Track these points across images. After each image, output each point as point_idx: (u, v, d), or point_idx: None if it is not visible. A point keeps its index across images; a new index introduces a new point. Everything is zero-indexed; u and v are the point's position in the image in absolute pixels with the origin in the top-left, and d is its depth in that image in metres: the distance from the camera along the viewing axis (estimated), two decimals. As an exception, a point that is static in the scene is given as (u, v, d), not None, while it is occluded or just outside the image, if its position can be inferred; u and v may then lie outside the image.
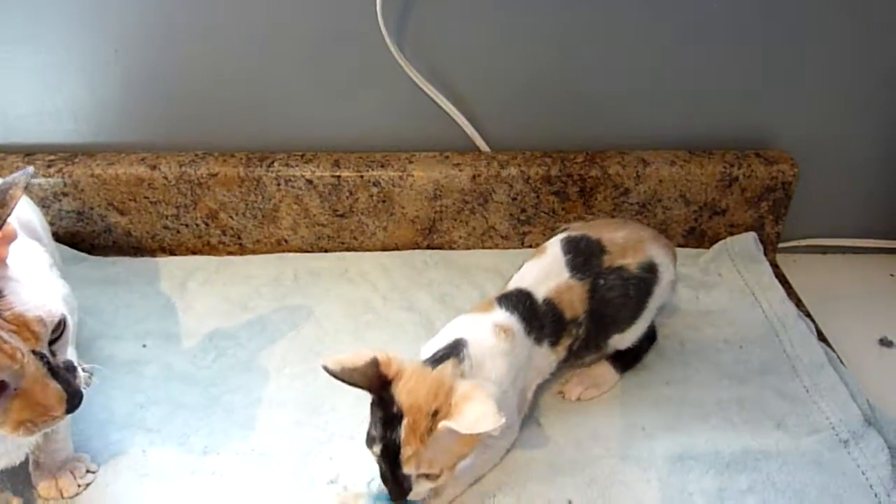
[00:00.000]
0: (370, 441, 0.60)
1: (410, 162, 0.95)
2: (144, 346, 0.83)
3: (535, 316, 0.69)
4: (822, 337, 0.84)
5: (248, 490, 0.66)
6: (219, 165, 0.95)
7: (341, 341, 0.84)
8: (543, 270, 0.72)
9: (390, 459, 0.58)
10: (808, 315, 0.88)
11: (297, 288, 0.93)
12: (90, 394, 0.74)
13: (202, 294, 0.92)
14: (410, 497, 0.60)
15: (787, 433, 0.71)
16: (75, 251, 0.97)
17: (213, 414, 0.74)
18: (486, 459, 0.67)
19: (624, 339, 0.76)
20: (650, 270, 0.74)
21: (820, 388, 0.76)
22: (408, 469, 0.58)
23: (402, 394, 0.58)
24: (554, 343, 0.70)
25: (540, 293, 0.70)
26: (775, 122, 0.96)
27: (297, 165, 0.95)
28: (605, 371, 0.77)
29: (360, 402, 0.74)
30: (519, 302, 0.69)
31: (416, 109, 0.94)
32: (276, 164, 0.95)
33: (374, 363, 0.60)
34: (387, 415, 0.58)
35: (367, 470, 0.67)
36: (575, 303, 0.70)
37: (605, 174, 0.94)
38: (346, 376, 0.59)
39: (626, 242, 0.74)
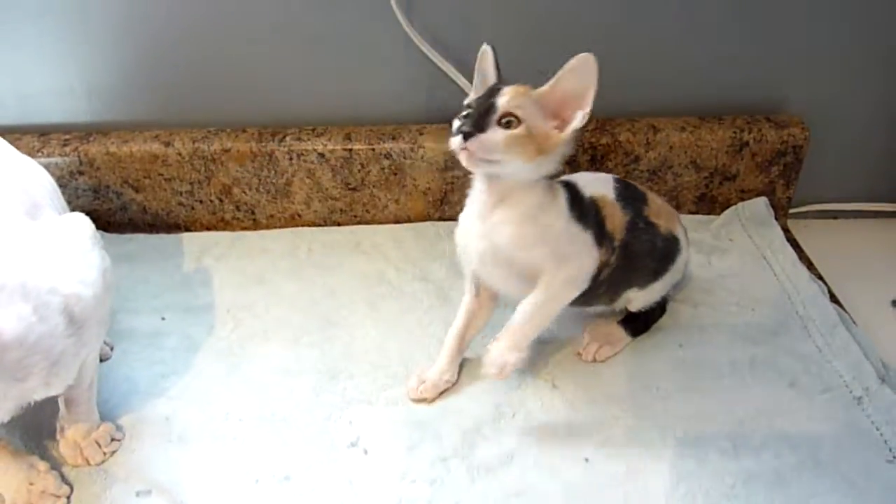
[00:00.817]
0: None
1: (421, 134, 0.96)
2: (163, 318, 0.84)
3: (581, 204, 0.69)
4: (834, 300, 0.84)
5: (270, 453, 0.67)
6: (231, 141, 0.95)
7: (356, 311, 0.85)
8: (594, 178, 0.74)
9: (488, 97, 0.63)
10: (820, 278, 0.88)
11: (312, 261, 0.94)
12: (112, 365, 0.77)
13: (218, 268, 0.93)
14: (475, 144, 0.61)
15: (801, 391, 0.72)
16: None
17: (233, 382, 0.76)
18: (552, 296, 0.67)
19: (639, 299, 0.76)
20: (674, 240, 0.76)
21: (833, 348, 0.76)
22: (502, 100, 0.62)
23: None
24: (597, 242, 0.69)
25: (587, 191, 0.71)
26: (786, 86, 0.96)
27: (308, 139, 0.95)
28: (616, 330, 0.78)
29: (377, 370, 0.76)
30: (567, 186, 0.70)
31: (426, 81, 0.95)
32: (287, 138, 0.95)
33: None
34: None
35: (387, 433, 0.69)
36: (616, 221, 0.71)
37: (616, 141, 0.94)
38: None
39: (661, 208, 0.76)
